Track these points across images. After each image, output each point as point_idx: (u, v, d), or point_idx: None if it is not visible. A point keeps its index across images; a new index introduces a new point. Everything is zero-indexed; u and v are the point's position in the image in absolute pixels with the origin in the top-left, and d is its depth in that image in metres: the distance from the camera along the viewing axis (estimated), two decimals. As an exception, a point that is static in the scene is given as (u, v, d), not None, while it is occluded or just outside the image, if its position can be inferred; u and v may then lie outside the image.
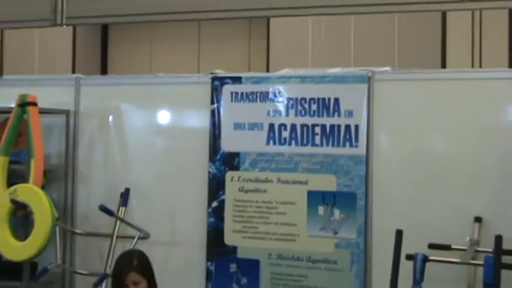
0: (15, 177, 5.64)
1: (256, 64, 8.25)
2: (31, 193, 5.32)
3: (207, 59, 8.32)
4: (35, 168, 5.38)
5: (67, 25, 2.66)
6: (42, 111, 5.66)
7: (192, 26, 9.08)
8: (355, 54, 7.49)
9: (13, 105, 5.68)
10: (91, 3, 2.63)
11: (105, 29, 9.96)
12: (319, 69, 5.69)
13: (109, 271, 5.41)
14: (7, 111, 5.70)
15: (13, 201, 5.35)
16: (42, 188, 5.48)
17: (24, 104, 5.50)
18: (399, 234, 4.62)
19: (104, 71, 9.67)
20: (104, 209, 5.57)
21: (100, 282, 5.46)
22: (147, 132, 6.09)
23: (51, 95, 6.07)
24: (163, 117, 6.10)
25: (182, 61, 8.69)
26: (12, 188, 5.40)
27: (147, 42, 9.24)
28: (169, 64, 8.45)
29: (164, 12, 2.68)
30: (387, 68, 5.51)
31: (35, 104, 5.52)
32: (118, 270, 4.59)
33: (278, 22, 8.29)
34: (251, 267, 5.58)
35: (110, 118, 6.13)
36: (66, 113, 6.13)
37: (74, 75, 6.41)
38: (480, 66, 7.32)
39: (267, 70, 7.41)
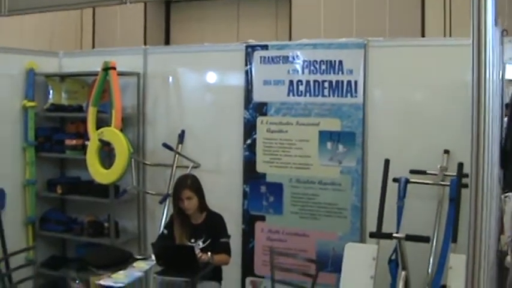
0: (101, 122, 5.95)
1: (281, 37, 8.29)
2: (113, 134, 5.68)
3: (244, 33, 8.34)
4: (115, 116, 5.72)
5: (131, 2, 2.81)
6: (120, 74, 5.95)
7: (233, 8, 9.20)
8: (356, 26, 7.49)
9: (98, 70, 5.97)
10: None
11: (168, 8, 10.03)
12: (328, 39, 5.77)
13: (170, 192, 5.59)
14: (94, 74, 6.00)
15: (100, 140, 5.73)
16: (121, 130, 5.82)
17: (107, 68, 5.80)
18: (387, 162, 4.83)
19: (167, 41, 9.78)
20: (166, 145, 5.96)
21: (164, 199, 5.83)
22: (197, 88, 6.30)
23: (127, 61, 6.30)
24: (210, 76, 6.29)
25: (225, 34, 8.79)
26: (100, 130, 5.77)
27: (199, 19, 9.20)
28: (216, 36, 8.51)
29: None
30: (380, 38, 5.63)
31: (114, 68, 5.82)
32: (176, 188, 4.98)
33: (298, 3, 8.38)
34: (276, 188, 5.79)
35: (170, 78, 6.36)
36: (137, 75, 6.40)
37: (143, 47, 6.63)
38: (450, 35, 7.29)
39: (290, 41, 7.49)
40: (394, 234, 4.18)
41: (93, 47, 9.39)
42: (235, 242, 5.54)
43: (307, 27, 7.78)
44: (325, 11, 7.54)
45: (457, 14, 7.27)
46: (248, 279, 6.00)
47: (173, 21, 9.79)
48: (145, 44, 8.82)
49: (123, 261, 4.68)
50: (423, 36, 7.47)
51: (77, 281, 4.34)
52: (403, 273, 4.19)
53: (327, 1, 7.58)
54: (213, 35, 8.98)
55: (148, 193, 6.34)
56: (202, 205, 4.95)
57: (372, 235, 4.39)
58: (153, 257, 4.63)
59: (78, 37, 9.46)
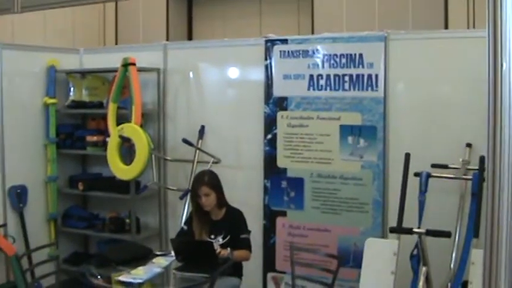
0: (121, 119, 5.96)
1: (303, 32, 8.19)
2: (133, 130, 5.67)
3: (266, 29, 8.23)
4: (136, 112, 5.71)
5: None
6: (140, 70, 5.95)
7: (255, 3, 9.12)
8: (378, 19, 7.40)
9: (118, 66, 5.98)
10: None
11: (190, 4, 9.95)
12: (358, 33, 5.69)
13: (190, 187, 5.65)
14: (115, 70, 6.00)
15: (120, 136, 5.72)
16: (141, 126, 5.81)
17: (126, 64, 5.80)
18: (407, 156, 4.74)
19: (189, 37, 9.76)
20: (185, 141, 5.96)
21: (184, 195, 5.84)
22: (217, 83, 6.30)
23: (147, 57, 6.34)
24: (230, 71, 6.28)
25: (248, 30, 8.65)
26: (120, 126, 5.77)
27: (221, 16, 9.16)
28: (238, 32, 8.46)
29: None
30: (401, 31, 5.56)
31: (134, 64, 5.82)
32: (193, 184, 4.99)
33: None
34: (297, 183, 5.77)
35: (190, 73, 6.36)
36: (157, 70, 6.40)
37: (163, 42, 6.61)
38: (474, 27, 7.15)
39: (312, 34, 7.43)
40: (415, 229, 4.13)
41: (116, 43, 9.41)
42: (256, 238, 5.55)
43: (329, 22, 7.72)
44: (348, 5, 7.45)
45: (480, 5, 7.03)
46: (269, 275, 5.99)
47: (195, 17, 9.77)
48: (167, 40, 8.82)
49: (142, 257, 4.68)
50: (446, 28, 7.33)
51: (98, 277, 4.34)
52: (424, 268, 4.15)
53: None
54: (235, 31, 8.96)
55: (169, 189, 6.35)
56: (221, 201, 4.94)
57: (392, 230, 4.35)
58: (172, 253, 4.63)
59: (101, 34, 9.49)
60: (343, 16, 7.48)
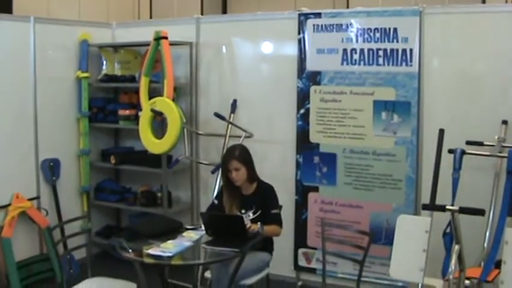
0: (154, 93, 5.94)
1: (338, 6, 8.11)
2: (165, 104, 5.64)
3: (301, 2, 8.19)
4: (168, 86, 5.67)
5: None
6: (172, 43, 5.90)
7: None
8: None
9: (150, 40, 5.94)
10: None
11: None
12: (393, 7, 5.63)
13: None
14: (147, 44, 5.95)
15: (152, 110, 5.70)
16: (173, 100, 5.78)
17: (158, 38, 5.75)
18: (441, 132, 4.58)
19: (224, 12, 9.72)
20: (217, 115, 5.95)
21: (216, 169, 5.84)
22: (250, 57, 6.27)
23: (180, 31, 6.32)
24: (263, 45, 6.23)
25: (282, 4, 8.55)
26: (152, 100, 5.74)
27: None
28: (273, 6, 8.38)
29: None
30: (437, 6, 5.49)
31: (166, 37, 5.76)
32: (224, 159, 4.96)
33: None
34: (330, 159, 5.77)
35: (223, 48, 6.35)
36: (190, 44, 6.40)
37: (195, 16, 6.55)
38: None
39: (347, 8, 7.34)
40: (448, 207, 4.05)
41: (151, 18, 9.41)
42: (288, 213, 5.56)
43: None
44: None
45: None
46: (300, 251, 6.02)
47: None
48: (202, 14, 8.80)
49: (173, 231, 4.69)
50: (484, 2, 7.17)
51: (128, 250, 4.36)
52: (457, 247, 4.07)
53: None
54: (269, 4, 8.91)
55: (201, 163, 6.38)
56: (252, 176, 4.91)
57: (424, 207, 4.28)
58: (202, 227, 4.63)
59: (135, 9, 9.50)
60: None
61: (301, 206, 5.94)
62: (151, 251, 4.21)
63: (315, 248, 5.90)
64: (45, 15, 6.89)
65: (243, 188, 4.93)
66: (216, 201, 5.04)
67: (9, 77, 5.97)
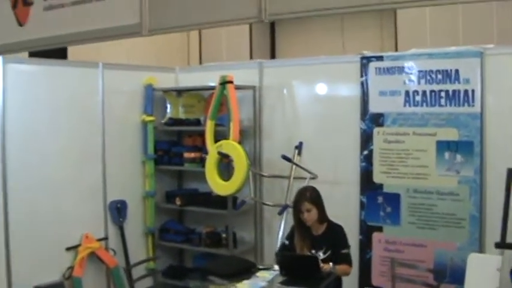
0: (219, 135, 6.13)
1: (386, 47, 8.13)
2: (232, 146, 5.84)
3: (349, 45, 8.25)
4: (234, 129, 5.88)
5: (268, 21, 2.87)
6: (237, 87, 6.10)
7: (337, 20, 8.93)
8: (463, 33, 7.31)
9: (214, 84, 6.18)
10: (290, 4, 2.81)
11: (272, 23, 9.86)
12: (440, 47, 5.74)
13: (288, 203, 5.82)
14: (211, 88, 6.19)
15: (219, 152, 5.89)
16: (239, 142, 5.96)
17: (224, 82, 5.97)
18: (510, 172, 4.72)
19: (272, 55, 9.81)
20: (285, 157, 6.07)
21: (283, 210, 5.94)
22: (312, 100, 6.42)
23: (242, 75, 6.43)
24: (324, 88, 6.39)
25: (330, 46, 8.66)
26: (218, 143, 5.94)
27: (304, 33, 9.11)
28: (321, 49, 8.44)
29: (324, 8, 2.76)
30: (492, 45, 5.52)
31: (232, 82, 5.98)
32: (296, 200, 5.08)
33: (403, 13, 8.23)
34: (393, 199, 5.82)
35: (284, 90, 6.51)
36: (253, 88, 6.59)
37: (258, 60, 6.78)
38: None
39: (396, 51, 7.39)
40: (521, 245, 4.17)
41: (200, 63, 9.55)
42: (352, 253, 5.58)
43: (413, 37, 7.64)
44: (431, 20, 7.38)
45: None
46: (365, 290, 6.08)
47: (278, 34, 9.79)
48: (251, 57, 8.96)
49: (246, 271, 4.80)
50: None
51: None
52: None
53: (432, 9, 7.36)
54: (318, 47, 8.97)
55: (266, 204, 6.47)
56: (323, 216, 5.03)
57: (497, 245, 4.38)
58: (275, 266, 4.75)
59: (185, 53, 9.64)
60: (426, 30, 7.44)
61: (365, 245, 5.99)
62: (230, 292, 4.34)
63: (379, 287, 5.92)
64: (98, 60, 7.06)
65: (313, 229, 5.04)
66: (286, 242, 5.15)
67: (78, 120, 6.24)
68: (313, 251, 4.97)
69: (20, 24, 3.89)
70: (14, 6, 3.91)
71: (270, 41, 9.93)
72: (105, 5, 3.38)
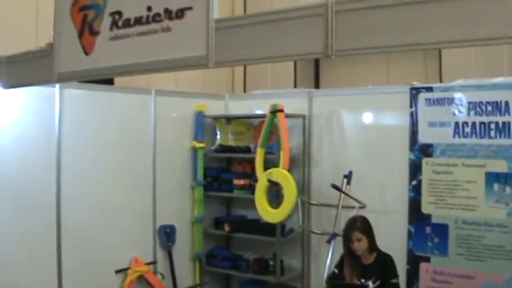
0: (269, 163, 6.20)
1: (431, 78, 8.14)
2: (281, 174, 5.88)
3: (393, 75, 8.28)
4: (284, 157, 5.91)
5: (335, 57, 2.90)
6: (287, 116, 6.18)
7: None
8: (508, 64, 7.32)
9: (261, 112, 6.34)
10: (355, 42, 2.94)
11: None
12: (485, 79, 5.80)
13: (336, 231, 5.88)
14: (262, 116, 6.31)
15: (269, 180, 5.94)
16: (289, 171, 5.99)
17: (275, 110, 6.06)
18: None
19: (316, 84, 9.89)
20: (334, 186, 6.08)
21: (331, 239, 5.97)
22: (361, 129, 6.49)
23: (290, 104, 6.50)
24: (372, 118, 6.47)
25: (375, 77, 8.67)
26: (268, 171, 6.01)
27: (348, 62, 9.15)
28: (365, 79, 8.45)
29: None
30: None
31: (282, 110, 6.07)
32: (346, 229, 5.15)
33: None
34: (442, 230, 5.83)
35: (333, 119, 6.58)
36: (303, 116, 6.68)
37: (307, 89, 6.91)
38: None
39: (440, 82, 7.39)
40: None
41: (244, 91, 9.63)
42: (400, 283, 5.63)
43: (457, 68, 7.66)
44: (476, 51, 7.44)
45: None
46: (413, 320, 6.06)
47: (322, 64, 9.86)
48: (295, 87, 9.04)
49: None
50: None
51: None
52: None
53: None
54: (362, 77, 9.04)
55: (314, 232, 6.52)
56: (372, 246, 5.08)
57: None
58: (325, 294, 4.81)
59: (230, 80, 9.73)
60: (471, 62, 7.47)
61: (412, 275, 5.99)
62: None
63: (427, 318, 5.95)
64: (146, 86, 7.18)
65: (363, 258, 5.08)
66: (336, 270, 5.20)
67: (130, 145, 6.41)
68: (363, 280, 5.01)
69: (86, 53, 4.01)
70: (81, 35, 4.04)
71: (314, 70, 10.01)
72: (172, 36, 3.48)
